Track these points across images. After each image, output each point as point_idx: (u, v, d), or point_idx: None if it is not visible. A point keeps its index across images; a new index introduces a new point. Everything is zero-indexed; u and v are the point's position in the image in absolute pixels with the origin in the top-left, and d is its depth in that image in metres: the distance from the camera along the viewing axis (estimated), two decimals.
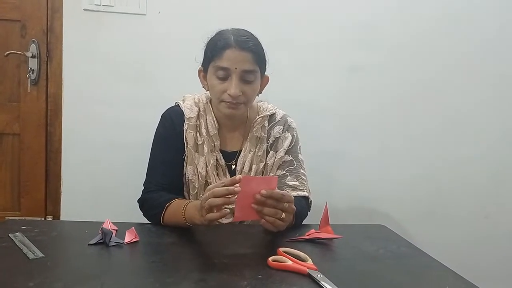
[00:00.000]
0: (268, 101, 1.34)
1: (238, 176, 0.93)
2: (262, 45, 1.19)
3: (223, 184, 0.94)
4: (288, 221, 1.03)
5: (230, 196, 0.92)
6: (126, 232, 1.00)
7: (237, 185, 0.92)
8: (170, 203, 1.13)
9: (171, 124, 1.24)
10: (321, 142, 1.90)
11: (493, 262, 2.04)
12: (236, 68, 1.13)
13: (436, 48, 1.94)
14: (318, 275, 0.83)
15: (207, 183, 1.24)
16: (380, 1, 1.89)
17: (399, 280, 0.87)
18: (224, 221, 1.23)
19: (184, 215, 1.07)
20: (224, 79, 1.15)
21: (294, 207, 1.02)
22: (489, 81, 1.99)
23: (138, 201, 1.22)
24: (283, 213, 0.98)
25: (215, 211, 0.95)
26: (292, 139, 1.29)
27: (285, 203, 0.98)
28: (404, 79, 1.95)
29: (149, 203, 1.18)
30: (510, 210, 2.06)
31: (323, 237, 1.06)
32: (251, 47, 1.14)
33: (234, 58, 1.12)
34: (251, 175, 1.25)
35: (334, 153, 1.94)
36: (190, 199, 1.26)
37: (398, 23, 1.91)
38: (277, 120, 1.30)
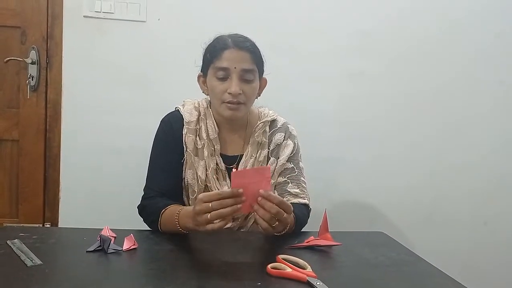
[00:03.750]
0: (268, 107, 1.35)
1: (240, 191, 0.91)
2: (260, 50, 1.21)
3: (221, 196, 0.92)
4: (278, 231, 1.03)
5: (238, 204, 0.91)
6: (125, 239, 1.00)
7: (241, 190, 0.91)
8: (164, 210, 1.12)
9: (170, 129, 1.25)
10: (321, 148, 1.90)
11: (492, 269, 2.03)
12: (235, 68, 1.15)
13: (435, 56, 1.95)
14: (318, 283, 0.82)
15: (206, 187, 1.24)
16: (380, 10, 1.91)
17: None
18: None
19: (178, 222, 1.06)
20: (224, 79, 1.16)
21: (292, 218, 1.01)
22: (488, 89, 1.99)
23: (137, 207, 1.21)
24: (277, 222, 0.96)
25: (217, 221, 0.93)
26: (294, 147, 1.29)
27: (285, 214, 0.96)
28: (404, 87, 1.95)
29: (147, 209, 1.18)
30: (509, 217, 2.06)
31: (322, 244, 1.06)
32: (249, 47, 1.18)
33: (233, 57, 1.15)
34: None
35: (334, 159, 1.94)
36: (189, 204, 1.25)
37: (398, 31, 1.92)
38: (278, 126, 1.31)
